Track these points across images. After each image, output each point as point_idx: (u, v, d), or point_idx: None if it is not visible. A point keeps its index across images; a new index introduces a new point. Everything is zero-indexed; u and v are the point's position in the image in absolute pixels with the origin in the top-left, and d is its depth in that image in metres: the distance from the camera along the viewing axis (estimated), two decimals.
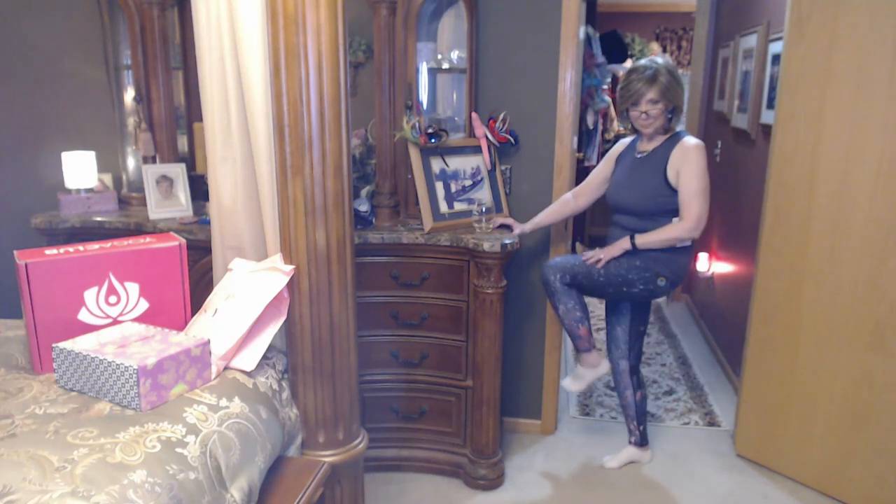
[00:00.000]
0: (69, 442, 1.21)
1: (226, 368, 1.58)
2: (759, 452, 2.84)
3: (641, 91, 2.39)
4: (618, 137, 5.76)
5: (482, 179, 2.71)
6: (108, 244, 1.63)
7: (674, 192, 2.43)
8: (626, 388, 2.75)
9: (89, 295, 1.56)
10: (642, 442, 2.82)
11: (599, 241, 2.76)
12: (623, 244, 2.46)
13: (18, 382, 1.48)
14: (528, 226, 2.64)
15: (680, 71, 7.26)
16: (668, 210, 2.46)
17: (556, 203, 2.71)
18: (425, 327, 2.59)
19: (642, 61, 2.45)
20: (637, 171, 2.52)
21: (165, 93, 2.72)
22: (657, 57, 2.49)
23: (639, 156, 2.54)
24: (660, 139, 2.50)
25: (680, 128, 2.55)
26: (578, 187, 2.72)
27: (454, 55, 2.75)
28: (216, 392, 1.46)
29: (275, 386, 1.64)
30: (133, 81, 2.79)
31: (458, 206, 2.63)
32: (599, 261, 2.46)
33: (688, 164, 2.39)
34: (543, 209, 2.72)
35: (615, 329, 2.73)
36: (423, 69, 2.68)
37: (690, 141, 2.44)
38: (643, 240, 2.44)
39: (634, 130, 2.57)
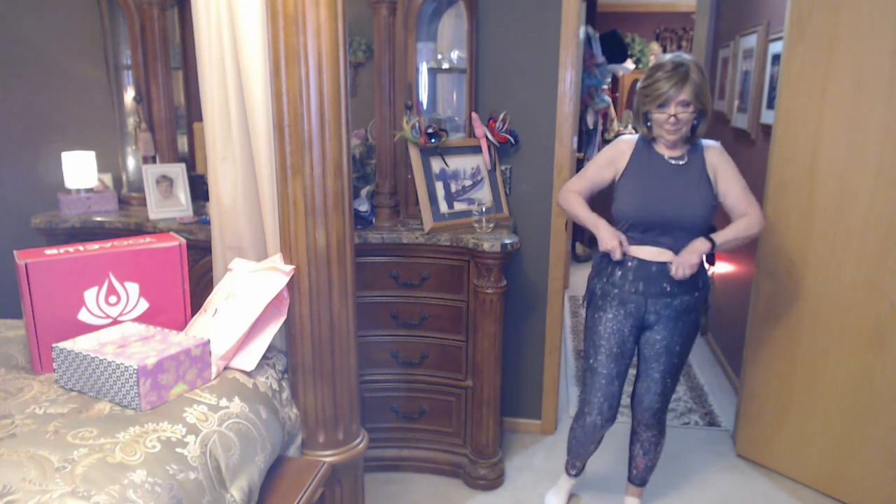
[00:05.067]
0: (69, 442, 1.21)
1: (226, 368, 1.58)
2: (759, 452, 2.84)
3: (670, 92, 2.04)
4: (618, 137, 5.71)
5: (482, 179, 2.71)
6: (108, 244, 1.63)
7: (717, 202, 2.19)
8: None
9: (89, 295, 1.56)
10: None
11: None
12: (699, 246, 2.08)
13: (18, 382, 1.48)
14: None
15: None
16: (711, 224, 2.20)
17: (581, 205, 2.28)
18: (425, 327, 2.59)
19: (668, 56, 2.12)
20: (681, 179, 2.17)
21: (165, 93, 2.73)
22: (684, 53, 2.17)
23: (678, 162, 2.18)
24: (682, 146, 2.19)
25: None
26: (581, 186, 2.28)
27: (454, 55, 2.75)
28: (216, 392, 1.46)
29: (275, 386, 1.64)
30: (133, 81, 2.80)
31: (458, 206, 2.63)
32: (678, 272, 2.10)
33: (725, 165, 2.18)
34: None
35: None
36: (423, 69, 2.68)
37: (713, 143, 2.23)
38: (724, 237, 2.11)
39: (651, 136, 2.18)
